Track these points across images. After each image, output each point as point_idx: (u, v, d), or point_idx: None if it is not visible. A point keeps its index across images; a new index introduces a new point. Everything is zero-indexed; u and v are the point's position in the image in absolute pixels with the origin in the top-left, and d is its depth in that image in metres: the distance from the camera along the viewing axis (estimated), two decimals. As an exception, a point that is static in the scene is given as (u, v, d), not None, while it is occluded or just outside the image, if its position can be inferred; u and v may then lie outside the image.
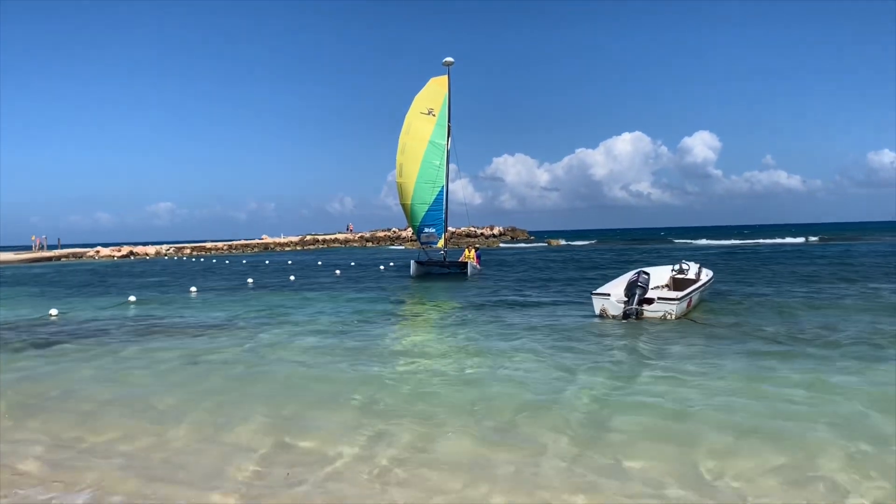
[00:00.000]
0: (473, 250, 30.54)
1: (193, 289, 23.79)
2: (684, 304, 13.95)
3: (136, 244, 69.93)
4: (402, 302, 18.89)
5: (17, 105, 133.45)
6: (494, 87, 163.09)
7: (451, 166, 28.59)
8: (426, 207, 27.97)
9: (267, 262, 46.41)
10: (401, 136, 27.86)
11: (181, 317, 16.39)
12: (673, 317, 13.43)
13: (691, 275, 16.47)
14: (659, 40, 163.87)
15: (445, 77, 28.76)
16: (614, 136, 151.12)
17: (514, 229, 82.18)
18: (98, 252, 63.12)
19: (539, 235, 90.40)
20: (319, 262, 42.27)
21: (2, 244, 67.01)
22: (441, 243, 28.84)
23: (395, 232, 77.42)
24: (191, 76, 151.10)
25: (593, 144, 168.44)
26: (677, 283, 16.07)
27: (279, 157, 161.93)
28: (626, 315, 13.51)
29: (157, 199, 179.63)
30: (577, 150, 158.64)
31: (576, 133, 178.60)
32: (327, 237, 77.25)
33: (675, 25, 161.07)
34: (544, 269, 30.77)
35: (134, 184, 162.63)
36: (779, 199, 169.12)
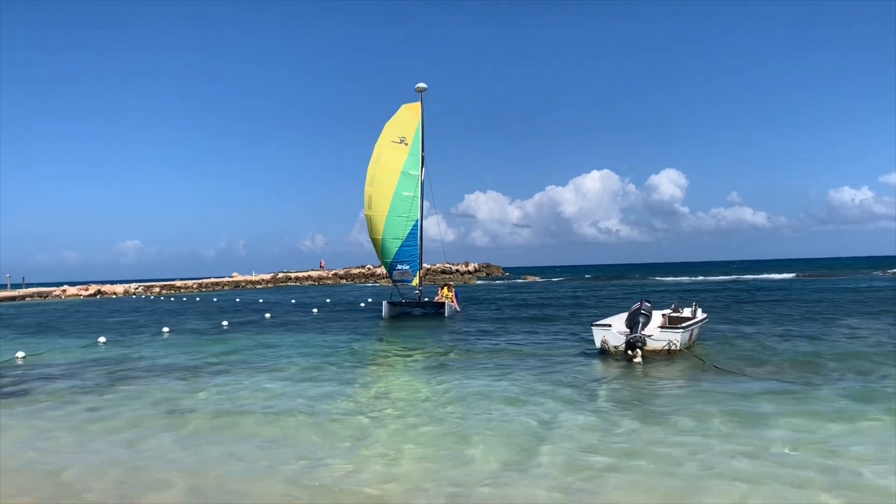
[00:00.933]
0: (451, 289, 28.67)
1: (166, 329, 23.20)
2: (687, 336, 13.71)
3: (103, 283, 68.44)
4: (377, 345, 18.30)
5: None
6: (466, 124, 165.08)
7: (425, 202, 27.07)
8: (399, 243, 26.39)
9: (237, 300, 45.65)
10: (370, 167, 26.22)
11: (151, 360, 15.94)
12: (678, 347, 13.06)
13: (687, 314, 15.89)
14: (625, 80, 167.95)
15: (418, 104, 27.33)
16: (583, 174, 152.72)
17: (489, 266, 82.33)
18: (65, 291, 61.62)
19: (512, 272, 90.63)
20: (293, 301, 41.62)
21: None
22: (416, 281, 27.19)
23: (369, 269, 76.97)
24: (158, 113, 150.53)
25: (563, 182, 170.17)
26: (673, 322, 15.36)
27: (249, 195, 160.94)
28: (629, 345, 12.82)
29: (124, 237, 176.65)
30: (548, 188, 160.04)
31: (546, 170, 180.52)
32: (300, 274, 76.52)
33: (641, 66, 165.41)
34: (525, 307, 30.53)
35: (101, 221, 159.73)
36: (745, 235, 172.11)
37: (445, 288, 28.41)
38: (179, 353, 17.12)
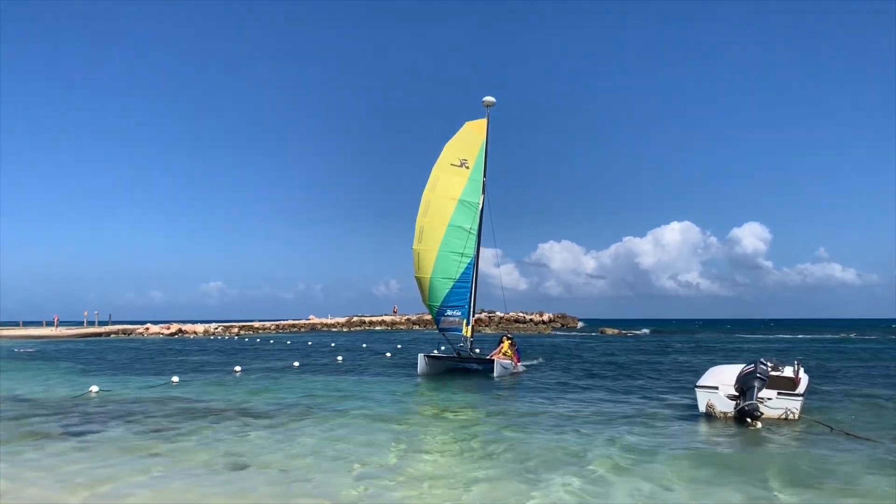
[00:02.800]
0: (513, 344, 23.21)
1: (237, 368, 23.07)
2: (803, 402, 12.32)
3: (185, 322, 70.42)
4: (438, 403, 17.04)
5: (78, 184, 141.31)
6: (540, 173, 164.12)
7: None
8: (450, 283, 22.23)
9: (309, 343, 45.71)
10: (424, 194, 22.42)
11: (217, 401, 15.67)
12: (796, 416, 11.77)
13: (788, 373, 14.01)
14: (709, 134, 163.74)
15: (484, 121, 23.47)
16: (663, 226, 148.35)
17: (563, 316, 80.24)
18: (147, 329, 63.64)
19: (587, 323, 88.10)
20: (364, 345, 41.33)
21: (62, 320, 68.18)
22: (467, 330, 22.62)
23: (441, 316, 76.26)
24: (239, 163, 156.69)
25: (641, 233, 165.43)
26: (773, 383, 13.28)
27: (327, 241, 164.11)
28: (742, 412, 11.57)
29: (208, 279, 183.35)
30: (625, 239, 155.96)
31: (624, 221, 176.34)
32: (374, 319, 76.64)
33: (723, 119, 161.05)
34: (610, 364, 28.31)
35: (187, 263, 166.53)
36: (834, 292, 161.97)
37: (506, 341, 23.21)
38: (247, 393, 16.85)
